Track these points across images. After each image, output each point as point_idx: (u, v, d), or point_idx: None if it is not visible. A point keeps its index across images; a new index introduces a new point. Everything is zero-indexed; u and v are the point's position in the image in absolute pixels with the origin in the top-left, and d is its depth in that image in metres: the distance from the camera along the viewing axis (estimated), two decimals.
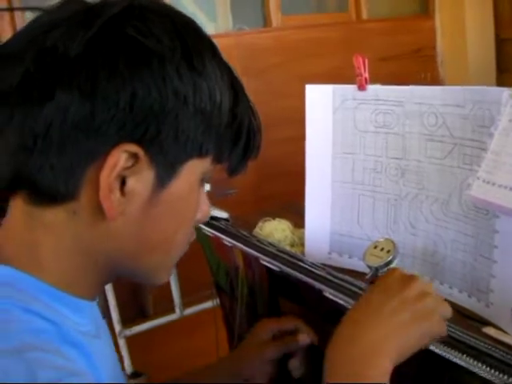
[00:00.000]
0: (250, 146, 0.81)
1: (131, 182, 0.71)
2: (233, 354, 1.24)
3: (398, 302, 0.88)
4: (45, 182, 0.70)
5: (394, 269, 0.99)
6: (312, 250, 1.46)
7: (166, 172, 0.73)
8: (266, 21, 4.13)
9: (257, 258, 1.33)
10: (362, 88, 1.36)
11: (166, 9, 0.76)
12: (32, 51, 0.69)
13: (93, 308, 0.79)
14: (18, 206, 0.74)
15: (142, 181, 0.71)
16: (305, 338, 1.15)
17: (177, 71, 0.70)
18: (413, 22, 4.83)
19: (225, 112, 0.76)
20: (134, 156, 0.70)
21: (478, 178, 1.12)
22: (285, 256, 1.32)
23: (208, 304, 2.56)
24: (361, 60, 1.36)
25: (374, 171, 1.37)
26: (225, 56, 0.79)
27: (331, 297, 1.15)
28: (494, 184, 1.09)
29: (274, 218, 1.58)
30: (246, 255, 1.37)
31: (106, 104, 0.67)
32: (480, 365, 0.90)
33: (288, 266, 1.27)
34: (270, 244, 1.40)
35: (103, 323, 0.84)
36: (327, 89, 1.42)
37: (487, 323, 1.14)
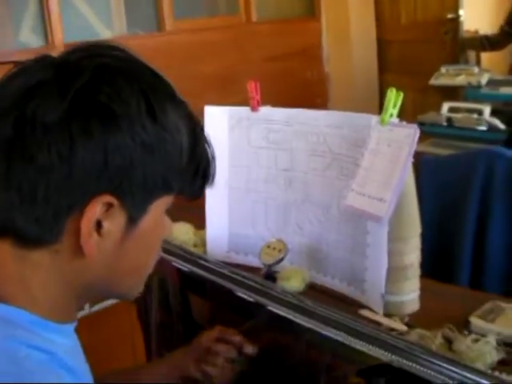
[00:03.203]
0: (208, 175, 0.89)
1: (106, 225, 0.79)
2: (170, 357, 1.38)
3: None
4: (32, 232, 0.79)
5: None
6: (213, 250, 1.64)
7: (136, 213, 0.82)
8: (159, 25, 4.22)
9: (168, 260, 1.50)
10: (254, 109, 1.56)
11: (130, 67, 0.83)
12: (12, 117, 0.76)
13: (71, 330, 0.89)
14: (5, 250, 0.81)
15: (115, 223, 0.80)
16: (250, 350, 1.32)
17: (143, 128, 0.78)
18: (300, 24, 5.02)
19: (186, 153, 0.84)
20: (109, 204, 0.78)
21: (352, 190, 1.35)
22: (191, 257, 1.50)
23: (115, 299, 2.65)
24: (253, 84, 1.56)
25: (265, 181, 1.57)
26: None
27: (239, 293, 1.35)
28: (364, 195, 1.31)
29: (175, 221, 1.75)
30: None
31: (82, 165, 0.75)
32: (352, 338, 1.13)
33: (195, 266, 1.46)
34: (177, 246, 1.57)
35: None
36: (224, 110, 1.61)
37: (363, 306, 1.37)
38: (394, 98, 1.30)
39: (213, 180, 0.91)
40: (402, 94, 1.30)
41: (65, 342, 0.84)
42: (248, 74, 4.30)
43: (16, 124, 0.76)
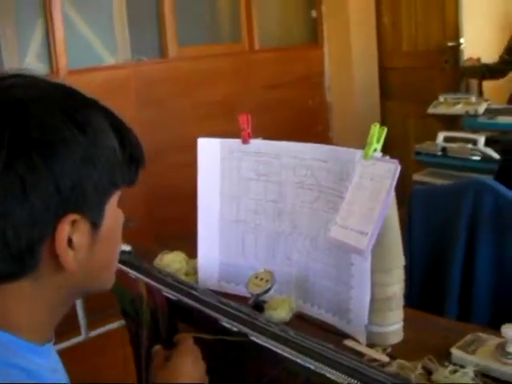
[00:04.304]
0: (141, 160, 0.95)
1: (75, 239, 0.85)
2: None
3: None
4: (9, 270, 0.84)
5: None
6: (204, 279, 1.68)
7: (97, 218, 0.88)
8: (163, 51, 4.28)
9: (157, 288, 1.53)
10: (245, 142, 1.60)
11: (40, 92, 0.87)
12: None
13: (51, 350, 0.95)
14: None
15: (82, 233, 0.86)
16: None
17: (78, 145, 0.83)
18: (302, 51, 5.09)
19: (118, 150, 0.90)
20: (73, 221, 0.84)
21: (336, 223, 1.38)
22: (181, 286, 1.53)
23: (113, 325, 2.66)
24: (245, 117, 1.59)
25: (255, 212, 1.60)
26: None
27: (224, 323, 1.37)
28: (347, 228, 1.35)
29: (171, 250, 1.78)
30: (148, 285, 1.57)
31: (39, 199, 0.80)
32: (330, 369, 1.16)
33: (184, 295, 1.49)
34: (169, 274, 1.60)
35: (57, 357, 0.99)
36: (216, 142, 1.65)
37: (348, 337, 1.40)
38: (378, 133, 1.34)
39: (144, 160, 0.96)
40: (385, 129, 1.33)
41: (45, 361, 0.89)
42: (250, 102, 4.38)
43: None
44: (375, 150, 1.35)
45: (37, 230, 0.82)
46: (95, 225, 0.88)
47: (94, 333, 2.82)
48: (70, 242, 0.85)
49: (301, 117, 4.86)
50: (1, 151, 0.79)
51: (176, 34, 4.26)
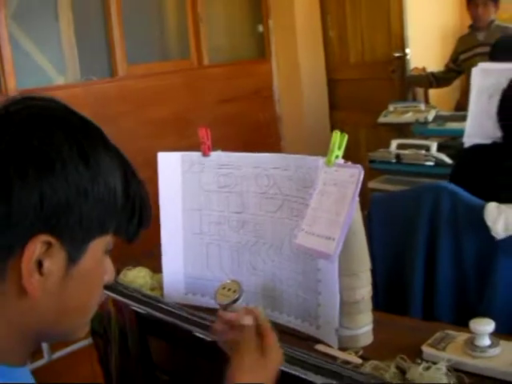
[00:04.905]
0: (143, 218, 0.92)
1: (47, 264, 0.81)
2: None
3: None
4: None
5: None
6: (170, 292, 1.67)
7: (75, 252, 0.84)
8: (112, 70, 4.26)
9: (126, 304, 1.53)
10: (205, 154, 1.61)
11: (61, 115, 0.88)
12: None
13: (26, 371, 0.90)
14: None
15: (55, 261, 0.82)
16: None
17: (76, 171, 0.82)
18: (251, 66, 5.09)
19: (119, 195, 0.87)
20: (48, 243, 0.81)
21: (302, 230, 1.39)
22: (150, 300, 1.53)
23: (78, 345, 2.63)
24: (204, 130, 1.60)
25: (218, 224, 1.61)
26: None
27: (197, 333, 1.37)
28: (313, 234, 1.36)
29: (134, 266, 1.78)
30: (116, 301, 1.57)
31: (19, 205, 0.78)
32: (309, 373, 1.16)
33: (152, 309, 1.49)
34: (135, 290, 1.60)
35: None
36: (176, 156, 1.65)
37: (318, 341, 1.42)
38: (339, 140, 1.36)
39: (149, 220, 0.94)
40: (346, 136, 1.36)
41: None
42: (202, 117, 4.38)
43: None
44: (337, 156, 1.37)
45: (8, 237, 0.80)
46: (72, 259, 0.85)
47: (57, 354, 2.78)
48: (40, 265, 0.82)
49: (252, 130, 4.87)
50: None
51: (125, 52, 4.24)
